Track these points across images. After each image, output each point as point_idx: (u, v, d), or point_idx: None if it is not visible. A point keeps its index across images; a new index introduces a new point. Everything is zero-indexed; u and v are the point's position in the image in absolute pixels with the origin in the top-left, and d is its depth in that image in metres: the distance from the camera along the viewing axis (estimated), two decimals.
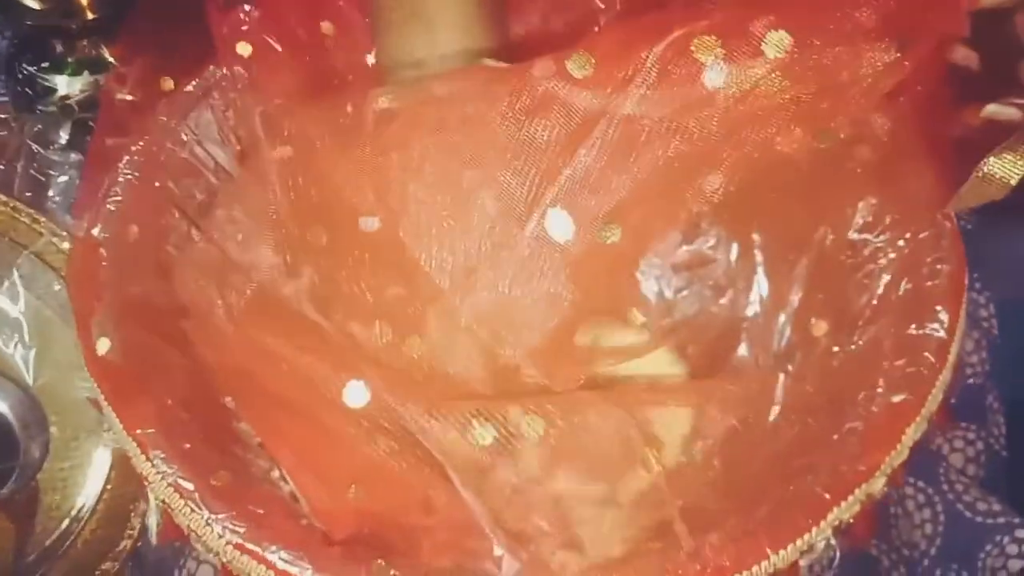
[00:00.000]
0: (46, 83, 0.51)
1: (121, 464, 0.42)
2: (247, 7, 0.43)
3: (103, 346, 0.35)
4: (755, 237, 0.40)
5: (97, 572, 0.39)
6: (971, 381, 0.50)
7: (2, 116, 0.50)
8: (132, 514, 0.42)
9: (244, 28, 0.43)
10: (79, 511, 0.40)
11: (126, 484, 0.42)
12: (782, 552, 0.29)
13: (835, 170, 0.36)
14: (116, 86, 0.40)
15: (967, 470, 0.48)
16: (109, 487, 0.41)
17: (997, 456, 0.48)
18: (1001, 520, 0.41)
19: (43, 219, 0.44)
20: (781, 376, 0.34)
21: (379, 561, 0.28)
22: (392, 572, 0.27)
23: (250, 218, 0.42)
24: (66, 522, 0.40)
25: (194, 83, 0.43)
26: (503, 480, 0.32)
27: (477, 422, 0.31)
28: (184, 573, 0.43)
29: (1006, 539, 0.41)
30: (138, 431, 0.32)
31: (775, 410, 0.33)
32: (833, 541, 0.31)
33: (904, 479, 0.41)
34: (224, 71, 0.43)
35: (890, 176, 0.37)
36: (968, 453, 0.48)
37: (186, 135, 0.42)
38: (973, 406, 0.49)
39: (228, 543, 0.30)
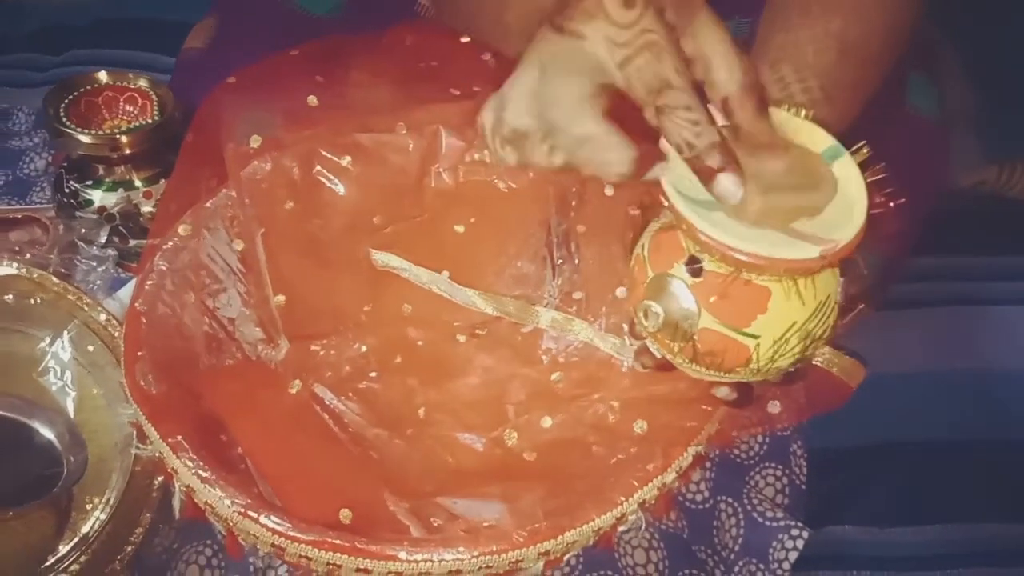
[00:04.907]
0: (87, 196, 0.67)
1: (132, 481, 0.55)
2: (252, 143, 0.60)
3: (143, 383, 0.49)
4: None
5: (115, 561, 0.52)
6: (780, 433, 0.67)
7: (51, 219, 0.65)
8: (137, 522, 0.55)
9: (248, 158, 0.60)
10: (101, 512, 0.54)
11: (135, 498, 0.55)
12: (602, 517, 0.45)
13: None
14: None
15: (776, 499, 0.64)
16: (123, 498, 0.55)
17: (798, 489, 0.65)
18: (782, 523, 0.58)
19: (86, 297, 0.58)
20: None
21: (345, 510, 0.42)
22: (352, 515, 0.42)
23: (244, 305, 0.58)
24: (93, 516, 0.53)
25: (211, 201, 0.59)
26: None
27: None
28: (175, 574, 0.56)
29: (785, 536, 0.57)
30: (169, 439, 0.47)
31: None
32: (640, 514, 0.47)
33: (704, 481, 0.59)
34: (232, 193, 0.59)
35: None
36: (776, 486, 0.64)
37: (202, 238, 0.58)
38: (781, 451, 0.66)
39: (235, 511, 0.44)
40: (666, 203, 0.39)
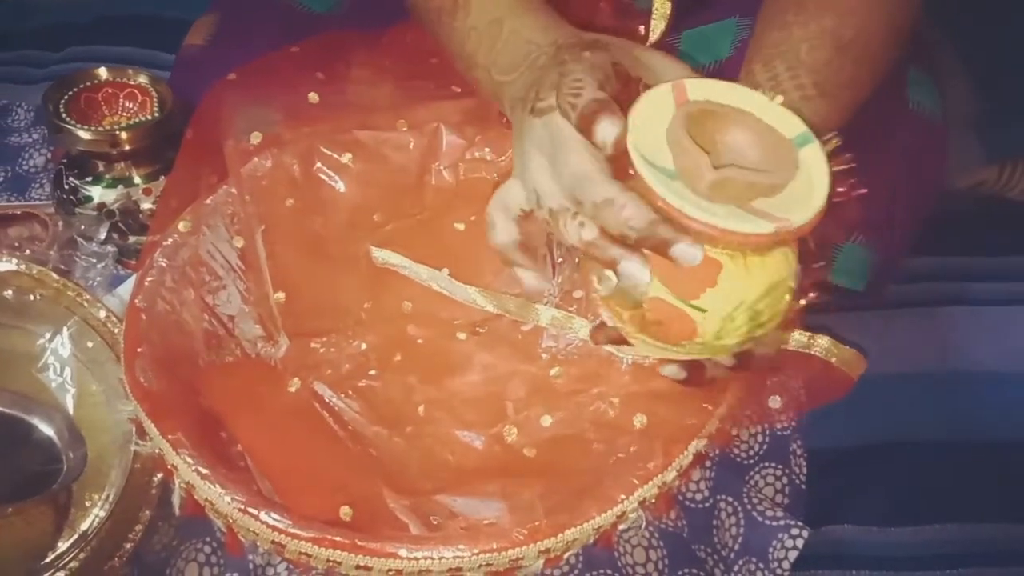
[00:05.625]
0: (86, 193, 0.67)
1: (131, 478, 0.55)
2: (252, 140, 0.60)
3: (143, 379, 0.49)
4: None
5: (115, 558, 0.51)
6: (779, 432, 0.67)
7: (50, 215, 0.65)
8: (137, 519, 0.55)
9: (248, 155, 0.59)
10: (100, 509, 0.54)
11: (134, 495, 0.55)
12: (603, 515, 0.45)
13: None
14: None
15: (776, 498, 0.64)
16: (123, 495, 0.55)
17: (798, 488, 0.65)
18: (782, 523, 0.58)
19: (86, 293, 0.58)
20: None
21: (345, 507, 0.42)
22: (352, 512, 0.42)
23: (244, 303, 0.58)
24: (93, 513, 0.53)
25: (211, 198, 0.59)
26: None
27: None
28: (175, 571, 0.56)
29: (785, 536, 0.57)
30: (169, 436, 0.47)
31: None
32: (641, 512, 0.47)
33: (704, 481, 0.59)
34: (232, 190, 0.59)
35: None
36: (776, 485, 0.64)
37: (202, 235, 0.58)
38: (781, 451, 0.66)
39: (234, 508, 0.44)
40: (631, 169, 0.39)
